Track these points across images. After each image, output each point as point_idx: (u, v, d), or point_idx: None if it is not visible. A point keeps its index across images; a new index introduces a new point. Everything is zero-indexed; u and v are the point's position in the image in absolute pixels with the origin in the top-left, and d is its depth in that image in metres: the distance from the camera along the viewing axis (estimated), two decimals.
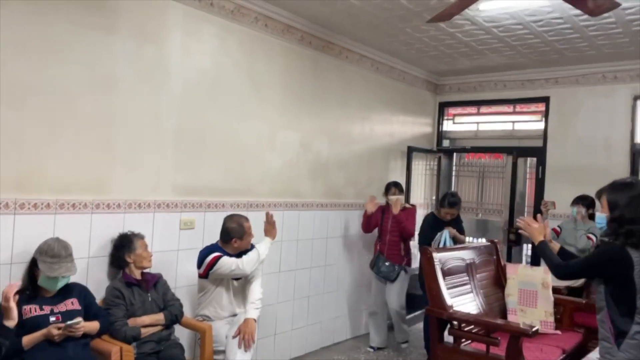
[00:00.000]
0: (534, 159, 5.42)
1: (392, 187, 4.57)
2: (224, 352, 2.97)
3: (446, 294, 3.45)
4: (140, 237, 2.98)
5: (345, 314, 4.79)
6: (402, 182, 5.43)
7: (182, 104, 3.34)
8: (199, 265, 3.12)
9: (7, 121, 2.54)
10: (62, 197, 2.76)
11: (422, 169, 5.86)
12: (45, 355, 2.37)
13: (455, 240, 4.36)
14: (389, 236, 4.52)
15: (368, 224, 4.62)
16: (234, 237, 3.16)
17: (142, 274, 2.95)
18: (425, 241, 4.37)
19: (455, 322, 3.36)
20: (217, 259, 3.06)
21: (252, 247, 3.27)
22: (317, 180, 4.45)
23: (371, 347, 4.62)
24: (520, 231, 2.71)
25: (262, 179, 3.95)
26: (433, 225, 4.43)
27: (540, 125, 5.41)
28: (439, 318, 3.40)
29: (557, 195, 5.02)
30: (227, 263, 3.07)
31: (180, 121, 3.34)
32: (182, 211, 3.37)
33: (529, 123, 5.63)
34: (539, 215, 2.86)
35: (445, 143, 6.13)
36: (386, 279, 4.51)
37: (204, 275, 3.12)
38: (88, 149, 2.88)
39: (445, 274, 3.58)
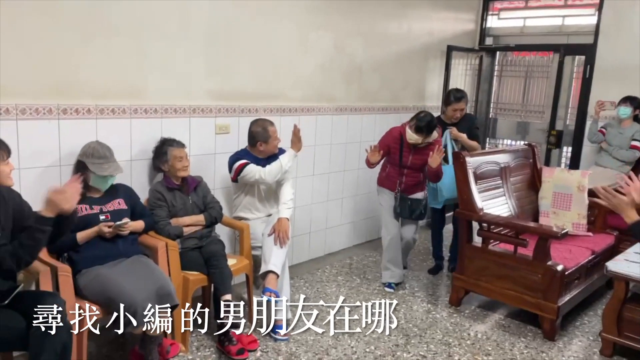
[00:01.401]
0: (582, 57, 5.10)
1: (423, 130, 3.54)
2: (261, 247, 3.17)
3: (477, 197, 3.49)
4: (177, 146, 2.98)
5: (377, 215, 4.93)
6: (440, 84, 5.29)
7: (211, 6, 3.27)
8: (230, 170, 3.24)
9: (42, 27, 2.57)
10: (101, 103, 2.85)
11: (462, 69, 5.63)
12: (98, 250, 2.60)
13: (463, 146, 3.94)
14: (407, 170, 3.74)
15: (372, 165, 3.76)
16: (259, 140, 3.22)
17: (183, 178, 3.06)
18: None
19: (484, 224, 3.43)
20: (242, 166, 3.17)
21: (282, 151, 3.34)
22: (351, 84, 4.38)
23: (389, 285, 3.84)
24: (599, 201, 2.31)
25: (295, 83, 3.92)
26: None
27: (593, 20, 5.02)
28: (469, 220, 3.49)
29: (604, 96, 4.78)
30: (252, 172, 3.16)
31: (210, 24, 3.29)
32: (216, 116, 3.44)
33: (580, 17, 5.23)
34: (630, 174, 2.22)
35: (489, 41, 5.81)
36: (416, 219, 3.83)
37: (234, 180, 3.25)
38: (121, 55, 2.90)
39: (478, 177, 3.60)
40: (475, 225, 3.48)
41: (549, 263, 3.14)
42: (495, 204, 3.69)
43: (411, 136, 3.60)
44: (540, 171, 4.12)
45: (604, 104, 4.65)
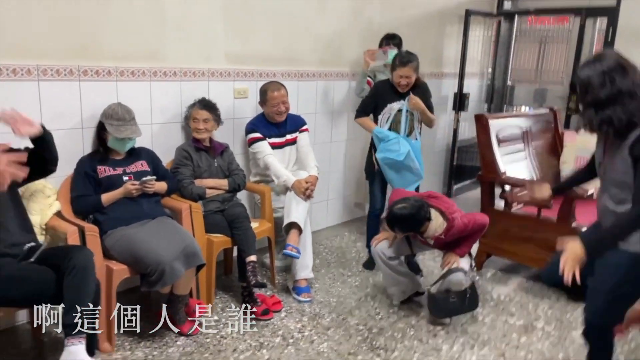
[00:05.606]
0: (605, 21, 4.96)
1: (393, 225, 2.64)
2: (281, 208, 3.16)
3: (500, 160, 3.44)
4: (198, 107, 2.99)
5: None
6: (458, 50, 5.18)
7: None
8: (246, 135, 3.27)
9: None
10: (121, 65, 2.82)
11: (479, 35, 5.51)
12: (123, 211, 2.59)
13: (421, 117, 3.35)
14: None
15: None
16: (260, 100, 3.27)
17: (211, 140, 3.07)
18: (363, 111, 3.43)
19: (507, 187, 3.39)
20: (253, 140, 3.20)
21: (299, 119, 3.35)
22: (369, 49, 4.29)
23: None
24: None
25: (312, 47, 3.85)
26: (383, 92, 3.33)
27: None
28: (490, 183, 3.45)
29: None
30: (260, 151, 3.19)
31: None
32: (234, 80, 3.39)
33: None
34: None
35: (507, 5, 5.67)
36: None
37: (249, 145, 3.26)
38: (141, 17, 2.86)
39: (500, 141, 3.54)
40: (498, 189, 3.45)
41: (574, 225, 3.10)
42: (517, 167, 3.64)
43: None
44: (562, 136, 4.05)
45: (375, 52, 3.84)
